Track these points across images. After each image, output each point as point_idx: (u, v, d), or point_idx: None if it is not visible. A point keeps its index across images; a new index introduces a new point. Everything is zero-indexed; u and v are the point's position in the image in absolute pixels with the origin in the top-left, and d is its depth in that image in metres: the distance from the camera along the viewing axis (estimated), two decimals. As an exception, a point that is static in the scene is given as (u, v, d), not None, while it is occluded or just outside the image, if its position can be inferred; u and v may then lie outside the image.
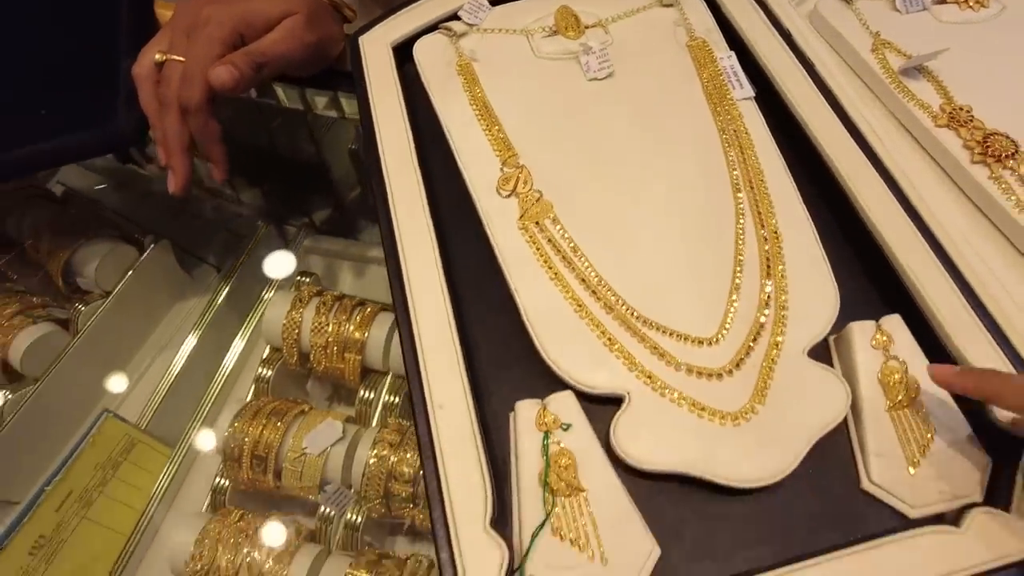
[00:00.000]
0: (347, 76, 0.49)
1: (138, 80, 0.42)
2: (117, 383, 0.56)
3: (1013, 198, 0.33)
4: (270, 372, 0.47)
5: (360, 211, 0.65)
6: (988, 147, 0.35)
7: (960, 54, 0.39)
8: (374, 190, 0.35)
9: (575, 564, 0.26)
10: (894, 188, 0.34)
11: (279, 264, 0.55)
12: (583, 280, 0.32)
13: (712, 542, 0.27)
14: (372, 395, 0.47)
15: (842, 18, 0.42)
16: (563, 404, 0.29)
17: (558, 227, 0.34)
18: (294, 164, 0.65)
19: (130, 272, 0.54)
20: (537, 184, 0.35)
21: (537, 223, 0.34)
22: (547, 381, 0.31)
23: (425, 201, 0.34)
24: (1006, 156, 0.34)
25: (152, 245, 0.55)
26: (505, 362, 0.32)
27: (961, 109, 0.37)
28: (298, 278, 0.51)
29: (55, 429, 0.54)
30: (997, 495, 0.27)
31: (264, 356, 0.49)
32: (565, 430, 0.28)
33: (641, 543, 0.27)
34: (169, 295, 0.59)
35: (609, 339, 0.30)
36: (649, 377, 0.29)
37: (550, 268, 0.33)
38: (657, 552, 0.27)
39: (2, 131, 0.44)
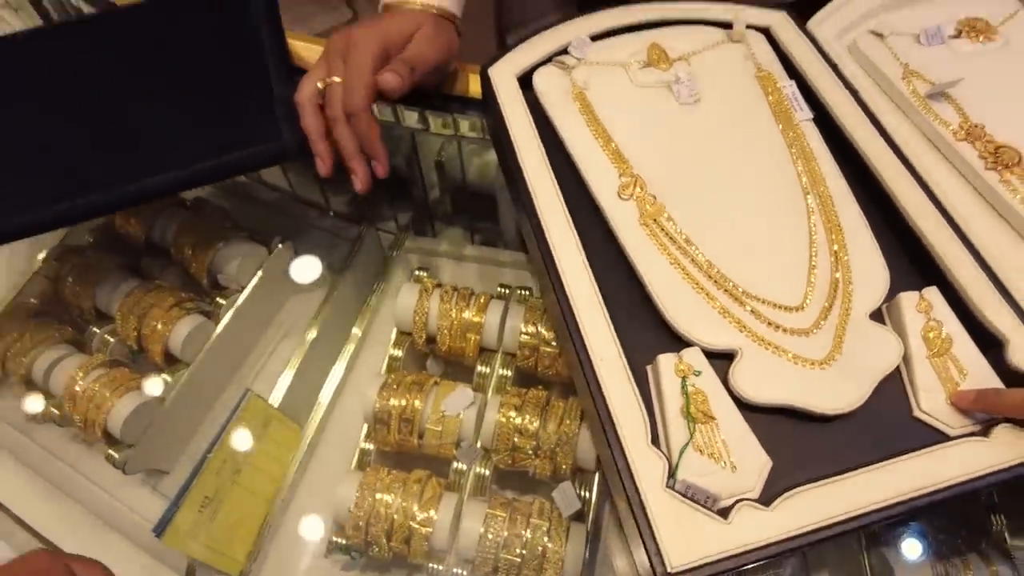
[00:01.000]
0: (456, 100, 0.58)
1: (301, 106, 0.50)
2: (248, 366, 0.64)
3: (1018, 196, 0.43)
4: (401, 352, 0.56)
5: (443, 215, 0.74)
6: (998, 157, 0.44)
7: (973, 80, 0.48)
8: (519, 193, 0.44)
9: (713, 471, 0.35)
10: (926, 190, 0.44)
11: (389, 262, 0.64)
12: (696, 263, 0.41)
13: (807, 454, 0.37)
14: (488, 369, 0.55)
15: (877, 51, 0.51)
16: (693, 356, 0.38)
17: (671, 223, 0.43)
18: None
19: (261, 269, 0.62)
20: (650, 189, 0.44)
21: (654, 220, 0.43)
22: (669, 341, 0.40)
23: (563, 201, 0.43)
24: (1013, 164, 0.44)
25: (279, 246, 0.63)
26: (634, 329, 0.41)
27: (976, 126, 0.46)
28: (416, 272, 0.59)
29: (198, 406, 0.62)
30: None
31: (393, 339, 0.57)
32: (697, 375, 0.38)
33: (758, 456, 0.36)
34: (287, 290, 0.67)
35: (722, 308, 0.40)
36: (755, 335, 0.39)
37: (669, 255, 0.42)
38: (769, 463, 0.36)
39: (181, 149, 0.52)
